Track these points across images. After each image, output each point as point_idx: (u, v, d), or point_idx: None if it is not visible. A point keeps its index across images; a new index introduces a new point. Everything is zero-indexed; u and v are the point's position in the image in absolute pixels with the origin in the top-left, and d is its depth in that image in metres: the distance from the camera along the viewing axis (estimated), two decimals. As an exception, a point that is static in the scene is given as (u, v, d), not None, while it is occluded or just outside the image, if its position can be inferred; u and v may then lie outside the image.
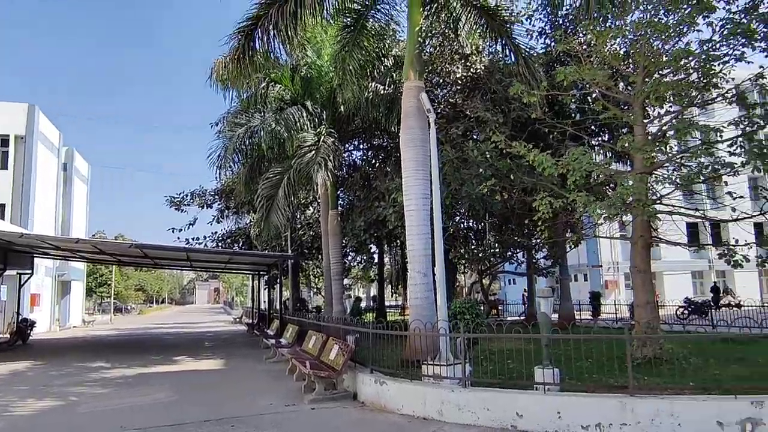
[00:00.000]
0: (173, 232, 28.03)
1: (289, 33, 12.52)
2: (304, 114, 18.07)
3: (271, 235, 19.55)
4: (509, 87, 12.33)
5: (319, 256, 25.80)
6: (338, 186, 21.32)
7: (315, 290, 42.97)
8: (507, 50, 14.89)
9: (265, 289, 33.28)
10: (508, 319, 26.21)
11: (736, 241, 10.30)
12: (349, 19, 14.41)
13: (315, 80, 18.50)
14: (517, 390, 7.54)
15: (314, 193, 23.91)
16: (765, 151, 9.15)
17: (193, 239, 28.78)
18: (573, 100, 17.67)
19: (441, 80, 19.36)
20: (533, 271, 23.37)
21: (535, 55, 16.15)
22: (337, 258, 19.14)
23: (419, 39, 12.94)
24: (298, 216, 29.34)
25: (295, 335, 15.82)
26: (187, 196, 28.77)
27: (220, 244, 29.20)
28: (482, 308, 17.57)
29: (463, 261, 18.74)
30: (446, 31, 16.51)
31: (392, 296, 51.03)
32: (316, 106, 18.76)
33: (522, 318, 22.98)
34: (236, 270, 38.83)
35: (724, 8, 10.30)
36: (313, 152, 16.90)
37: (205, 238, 29.18)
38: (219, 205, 28.94)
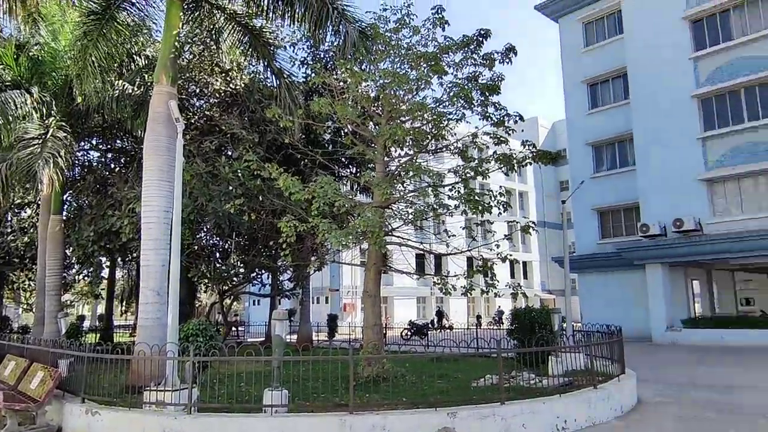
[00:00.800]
0: None
1: (16, 4, 10.68)
2: (29, 101, 15.49)
3: (-33, 239, 16.11)
4: (268, 108, 12.44)
5: (34, 267, 22.10)
6: (66, 188, 18.68)
7: (25, 307, 36.58)
8: (269, 72, 15.06)
9: (-47, 303, 27.15)
10: (249, 340, 25.94)
11: (448, 272, 11.97)
12: (96, 5, 12.94)
13: (48, 64, 16.05)
14: (246, 414, 7.46)
15: (35, 193, 20.52)
16: (473, 197, 10.90)
17: None
18: (327, 132, 18.70)
19: (199, 90, 18.62)
20: (277, 292, 23.62)
21: (295, 82, 16.66)
22: (56, 270, 16.62)
23: (176, 44, 12.27)
24: (10, 218, 24.83)
25: (-13, 361, 13.14)
26: None
27: None
28: (220, 329, 16.99)
29: (205, 280, 18.00)
30: (208, 41, 15.98)
31: (122, 315, 46.31)
32: (46, 93, 16.24)
33: (264, 340, 22.96)
34: None
35: (453, 74, 12.08)
36: (38, 146, 14.56)
37: None
38: None
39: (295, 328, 25.05)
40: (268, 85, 16.73)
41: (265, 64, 14.52)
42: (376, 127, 13.12)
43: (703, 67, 23.96)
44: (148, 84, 16.25)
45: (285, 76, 14.53)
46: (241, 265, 19.19)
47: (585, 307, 28.79)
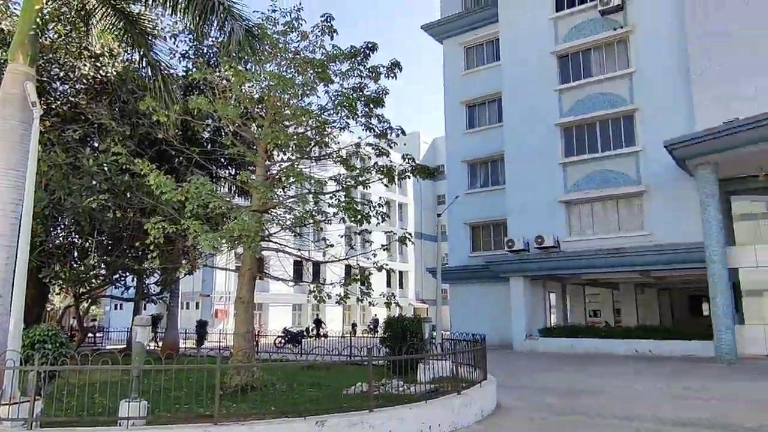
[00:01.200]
0: None
1: None
2: None
3: None
4: (142, 100, 11.69)
5: None
6: None
7: None
8: (145, 62, 14.13)
9: None
10: (108, 347, 24.07)
11: (324, 280, 11.97)
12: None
13: None
14: (99, 427, 6.89)
15: None
16: (352, 206, 11.02)
17: None
18: (206, 130, 17.95)
19: (63, 74, 16.98)
20: (141, 296, 22.14)
21: (174, 75, 15.81)
22: None
23: (39, 20, 11.11)
24: None
25: None
26: None
27: None
28: (75, 336, 15.54)
29: (59, 281, 16.38)
30: (77, 21, 14.67)
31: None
32: None
33: (124, 347, 21.39)
34: None
35: (339, 83, 12.15)
36: None
37: None
38: None
39: (161, 335, 23.63)
40: (144, 76, 15.68)
41: (141, 53, 13.62)
42: (259, 129, 12.85)
43: (567, 98, 26.34)
44: (2, 62, 14.59)
45: (162, 68, 13.73)
46: (102, 266, 17.73)
47: (455, 317, 30.19)
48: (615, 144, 24.85)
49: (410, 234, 12.40)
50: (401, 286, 60.34)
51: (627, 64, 25.08)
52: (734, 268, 20.04)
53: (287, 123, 12.05)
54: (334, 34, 12.24)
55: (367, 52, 11.99)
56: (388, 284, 53.68)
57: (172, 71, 15.11)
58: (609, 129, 25.13)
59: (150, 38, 13.80)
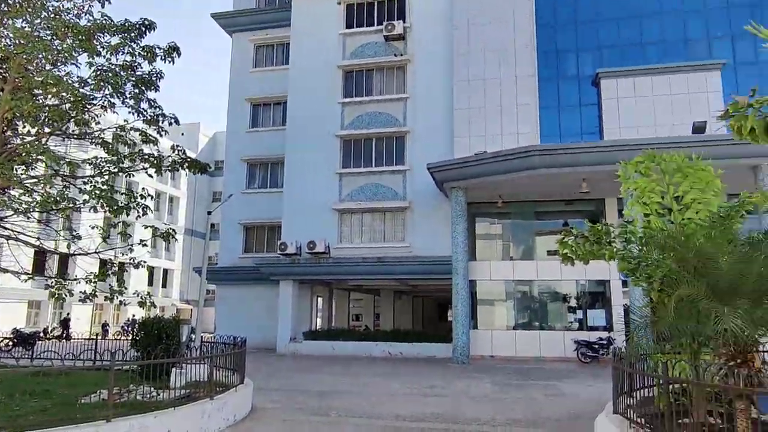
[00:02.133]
0: None
1: None
2: None
3: None
4: None
5: None
6: None
7: None
8: None
9: None
10: None
11: (68, 275, 10.58)
12: None
13: None
14: None
15: None
16: (107, 194, 9.97)
17: None
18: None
19: None
20: None
21: None
22: None
23: None
24: None
25: None
26: None
27: None
28: None
29: None
30: None
31: None
32: None
33: None
34: None
35: (106, 57, 10.90)
36: None
37: None
38: None
39: None
40: None
41: None
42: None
43: (348, 112, 27.65)
44: None
45: None
46: None
47: (221, 318, 29.28)
48: (387, 160, 26.81)
49: (174, 230, 11.67)
50: (165, 285, 56.54)
51: (403, 89, 27.32)
52: (473, 280, 23.09)
53: (36, 91, 10.43)
54: (107, 2, 11.02)
55: (143, 29, 11.02)
56: (150, 283, 49.90)
57: None
58: (383, 146, 27.03)
59: None
